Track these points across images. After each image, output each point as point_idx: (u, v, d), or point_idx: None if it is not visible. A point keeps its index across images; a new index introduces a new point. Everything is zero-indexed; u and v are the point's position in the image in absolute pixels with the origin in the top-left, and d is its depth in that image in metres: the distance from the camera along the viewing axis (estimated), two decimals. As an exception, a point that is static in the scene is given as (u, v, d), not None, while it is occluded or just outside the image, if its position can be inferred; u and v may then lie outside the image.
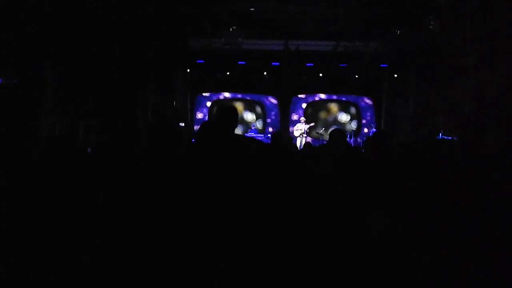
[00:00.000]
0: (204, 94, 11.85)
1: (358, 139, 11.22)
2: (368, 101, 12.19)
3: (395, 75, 10.68)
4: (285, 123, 12.06)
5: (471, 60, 7.01)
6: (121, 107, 8.35)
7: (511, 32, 6.14)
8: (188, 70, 10.65)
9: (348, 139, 10.64)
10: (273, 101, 12.26)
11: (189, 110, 11.39)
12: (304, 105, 12.32)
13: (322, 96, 12.40)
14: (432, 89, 9.12)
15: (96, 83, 7.65)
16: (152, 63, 8.44)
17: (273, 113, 12.31)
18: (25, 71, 7.99)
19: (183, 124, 8.94)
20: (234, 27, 9.26)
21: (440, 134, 9.05)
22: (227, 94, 12.13)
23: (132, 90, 8.39)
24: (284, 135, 8.49)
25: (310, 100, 12.39)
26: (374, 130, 10.52)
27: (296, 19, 9.02)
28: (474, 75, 6.92)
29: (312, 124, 10.67)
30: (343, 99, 12.38)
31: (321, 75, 11.07)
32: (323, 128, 11.13)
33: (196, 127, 11.11)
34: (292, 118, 12.09)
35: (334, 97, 12.38)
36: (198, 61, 10.24)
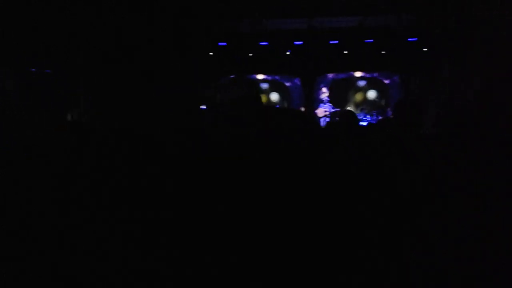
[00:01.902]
0: (230, 76, 11.91)
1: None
2: (396, 77, 11.78)
3: (425, 49, 10.20)
4: (310, 103, 11.92)
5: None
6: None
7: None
8: (211, 53, 10.67)
9: (368, 118, 10.52)
10: (297, 81, 12.14)
11: (213, 93, 11.48)
12: (329, 84, 12.10)
13: (348, 74, 12.11)
14: (466, 63, 8.67)
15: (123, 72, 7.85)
16: (174, 47, 8.52)
17: (297, 93, 12.19)
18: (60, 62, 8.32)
19: (205, 107, 9.06)
20: (257, 9, 9.14)
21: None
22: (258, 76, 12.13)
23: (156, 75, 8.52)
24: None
25: (335, 78, 12.14)
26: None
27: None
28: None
29: (337, 109, 10.57)
30: (370, 76, 12.03)
31: (346, 52, 10.77)
32: (349, 107, 10.96)
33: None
34: (317, 98, 11.93)
35: (360, 74, 12.05)
36: (220, 43, 10.23)
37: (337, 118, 10.41)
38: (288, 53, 10.81)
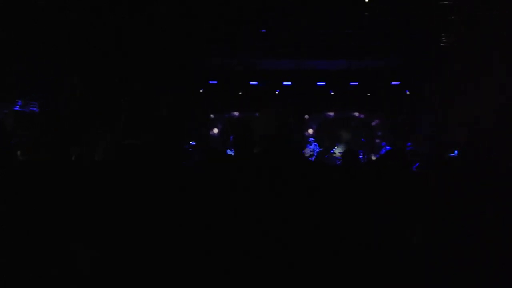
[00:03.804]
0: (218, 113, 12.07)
1: (372, 157, 11.12)
2: (380, 118, 12.16)
3: (407, 92, 10.68)
4: (298, 142, 12.05)
5: (486, 72, 6.99)
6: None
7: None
8: (202, 90, 10.85)
9: (360, 157, 10.68)
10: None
11: (202, 129, 11.53)
12: (315, 124, 12.37)
13: (334, 114, 12.44)
14: (447, 104, 9.08)
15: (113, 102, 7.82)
16: (167, 83, 8.63)
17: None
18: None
19: (194, 143, 9.02)
20: (247, 48, 9.46)
21: (456, 152, 8.91)
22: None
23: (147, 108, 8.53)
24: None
25: (321, 119, 12.43)
26: (388, 148, 10.45)
27: (307, 38, 9.18)
28: (488, 86, 6.87)
29: (322, 149, 10.76)
30: (356, 117, 12.39)
31: (332, 93, 11.14)
32: (336, 147, 11.10)
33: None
34: (304, 137, 12.11)
35: (346, 115, 12.40)
36: (210, 81, 10.44)
37: (326, 156, 10.54)
38: (277, 92, 11.10)
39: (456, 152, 8.97)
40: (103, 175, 2.57)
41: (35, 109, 8.75)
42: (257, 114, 11.69)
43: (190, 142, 8.86)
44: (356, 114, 12.27)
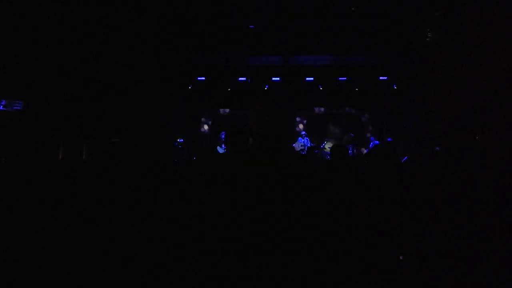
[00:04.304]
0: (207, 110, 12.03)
1: (362, 151, 11.23)
2: (369, 113, 12.26)
3: (395, 87, 10.77)
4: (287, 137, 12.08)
5: (469, 69, 7.08)
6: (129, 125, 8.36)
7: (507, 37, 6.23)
8: (190, 87, 10.77)
9: (349, 152, 10.77)
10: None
11: (191, 125, 11.48)
12: (305, 119, 12.41)
13: (323, 109, 12.49)
14: (433, 100, 9.18)
15: (97, 100, 7.72)
16: (155, 80, 8.54)
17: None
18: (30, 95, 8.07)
19: (182, 140, 8.95)
20: (235, 44, 9.42)
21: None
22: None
23: (134, 107, 8.45)
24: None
25: (311, 114, 12.48)
26: (376, 142, 10.54)
27: (296, 34, 9.18)
28: (473, 83, 6.97)
29: (313, 144, 10.79)
30: (344, 112, 12.46)
31: (321, 88, 11.18)
32: (326, 142, 11.17)
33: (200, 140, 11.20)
34: (295, 132, 12.15)
35: (335, 110, 12.46)
36: (199, 78, 10.37)
37: (316, 151, 10.59)
38: (266, 88, 11.08)
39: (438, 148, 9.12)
40: (91, 174, 2.55)
41: (19, 108, 8.58)
42: (248, 110, 11.58)
43: (179, 139, 8.78)
44: (347, 109, 12.36)
